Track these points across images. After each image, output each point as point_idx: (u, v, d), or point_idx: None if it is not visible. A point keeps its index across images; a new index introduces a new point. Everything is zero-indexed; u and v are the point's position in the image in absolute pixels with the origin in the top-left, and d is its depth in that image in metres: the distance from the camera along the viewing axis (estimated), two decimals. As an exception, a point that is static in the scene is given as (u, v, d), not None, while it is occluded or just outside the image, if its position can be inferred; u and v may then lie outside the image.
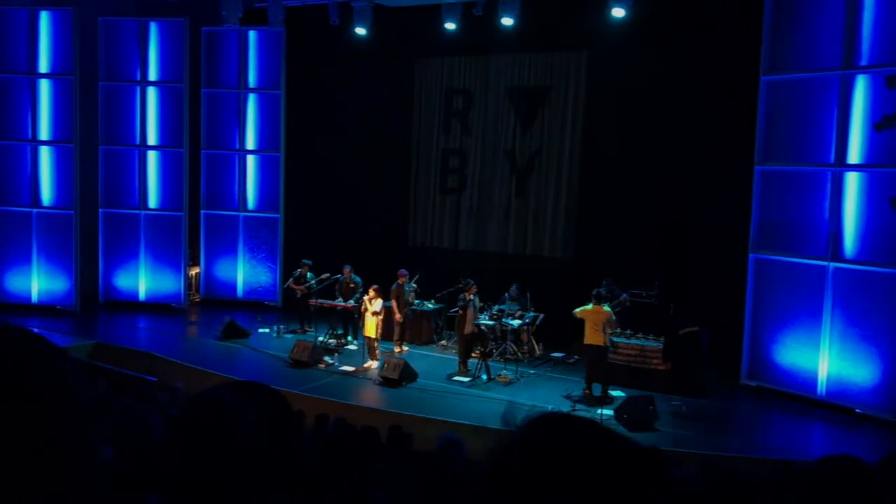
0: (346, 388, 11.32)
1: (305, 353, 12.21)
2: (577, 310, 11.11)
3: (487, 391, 11.31)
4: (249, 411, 1.33)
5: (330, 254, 15.00)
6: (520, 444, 1.15)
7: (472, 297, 12.17)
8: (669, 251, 13.19)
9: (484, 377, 11.76)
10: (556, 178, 14.80)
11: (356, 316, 13.05)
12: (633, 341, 11.88)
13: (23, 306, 15.36)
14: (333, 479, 3.77)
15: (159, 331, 14.73)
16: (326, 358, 12.51)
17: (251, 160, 16.84)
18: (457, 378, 11.88)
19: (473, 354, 12.29)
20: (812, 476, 1.71)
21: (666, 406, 10.38)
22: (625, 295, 12.29)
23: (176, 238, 16.20)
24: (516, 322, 12.63)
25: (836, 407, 10.76)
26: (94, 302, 15.95)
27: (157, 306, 16.15)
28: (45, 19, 15.20)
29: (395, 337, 13.41)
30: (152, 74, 16.08)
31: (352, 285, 13.40)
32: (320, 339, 13.25)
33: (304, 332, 14.12)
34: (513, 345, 12.67)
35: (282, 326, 14.49)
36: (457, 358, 12.43)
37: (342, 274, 13.61)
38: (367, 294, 12.46)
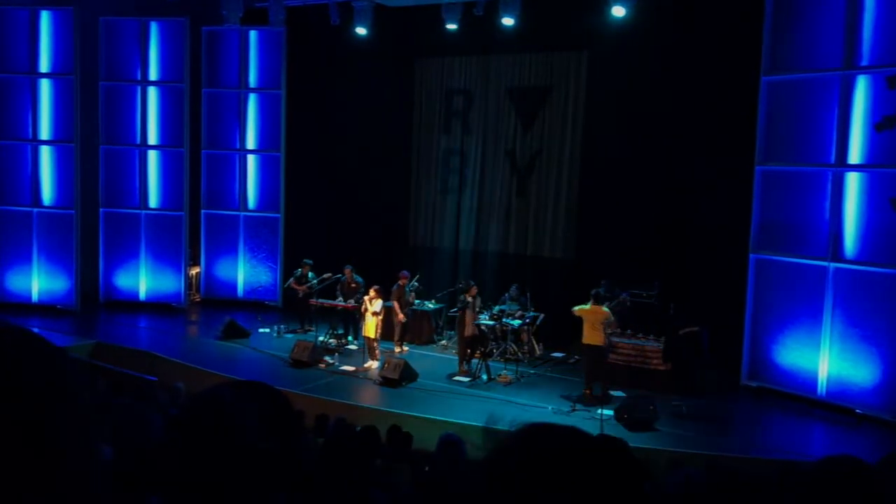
0: (347, 388, 11.32)
1: (306, 352, 12.21)
2: (576, 308, 11.12)
3: (488, 391, 11.31)
4: (250, 411, 1.33)
5: (330, 254, 15.00)
6: (505, 455, 1.15)
7: (471, 298, 12.17)
8: (669, 251, 13.19)
9: (484, 377, 11.76)
10: (557, 178, 14.79)
11: (357, 316, 13.05)
12: (633, 341, 11.88)
13: (23, 306, 15.36)
14: (333, 479, 3.77)
15: (160, 330, 14.73)
16: (327, 358, 12.51)
17: (252, 160, 16.85)
18: (457, 378, 11.88)
19: (472, 353, 12.28)
20: (813, 476, 1.71)
21: (666, 406, 10.37)
22: (625, 295, 12.29)
23: (176, 238, 16.20)
24: (516, 322, 12.63)
25: (836, 407, 10.76)
26: (94, 301, 15.95)
27: (157, 306, 16.15)
28: (45, 19, 15.20)
29: (396, 337, 13.42)
30: (153, 74, 16.08)
31: (353, 285, 13.40)
32: (321, 338, 13.25)
33: (305, 331, 14.12)
34: (513, 345, 12.68)
35: (282, 326, 14.49)
36: (457, 358, 12.44)
37: (343, 274, 13.62)
38: (368, 294, 12.46)
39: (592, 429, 9.33)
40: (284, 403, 1.42)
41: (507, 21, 13.52)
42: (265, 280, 16.85)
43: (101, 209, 16.07)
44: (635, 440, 8.64)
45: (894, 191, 10.41)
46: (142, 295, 16.27)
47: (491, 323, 12.38)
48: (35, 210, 15.48)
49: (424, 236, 16.40)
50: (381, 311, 12.43)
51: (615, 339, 11.74)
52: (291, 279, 14.50)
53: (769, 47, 11.53)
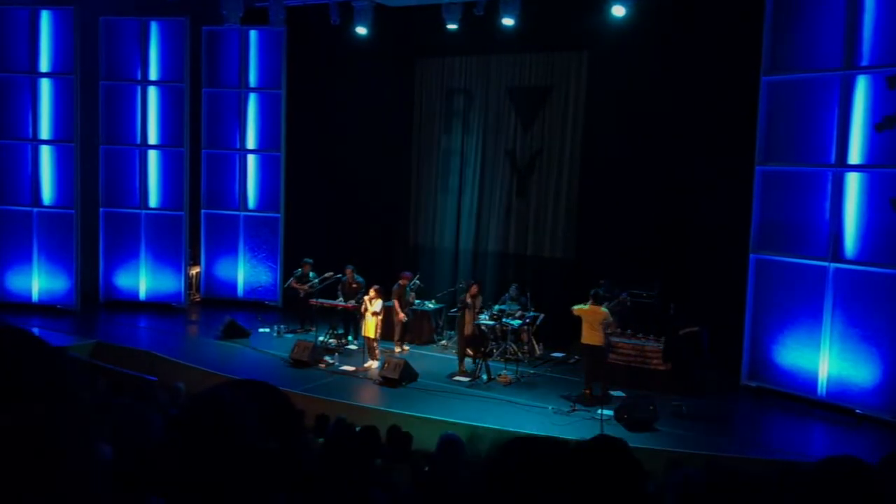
0: (347, 388, 11.32)
1: (306, 352, 12.21)
2: (576, 307, 11.12)
3: (488, 391, 11.31)
4: (250, 411, 1.33)
5: (330, 253, 15.00)
6: (505, 457, 1.16)
7: (471, 298, 12.18)
8: (669, 251, 13.19)
9: (484, 377, 11.76)
10: (557, 177, 14.79)
11: (357, 316, 13.04)
12: (633, 341, 11.88)
13: (23, 306, 15.36)
14: (334, 479, 3.77)
15: (160, 330, 14.73)
16: (327, 358, 12.51)
17: (252, 160, 16.85)
18: (457, 378, 11.88)
19: (471, 353, 12.28)
20: (813, 476, 1.71)
21: (666, 406, 10.37)
22: (625, 295, 12.28)
23: (176, 237, 16.20)
24: (516, 322, 12.63)
25: (836, 407, 10.76)
26: (94, 301, 15.95)
27: (157, 306, 16.16)
28: (45, 18, 15.21)
29: (396, 337, 13.43)
30: (153, 74, 16.08)
31: (354, 285, 13.39)
32: (321, 338, 13.26)
33: (305, 331, 14.12)
34: (513, 345, 12.68)
35: (282, 326, 14.49)
36: (457, 358, 12.44)
37: (344, 274, 13.63)
38: (368, 294, 12.46)
39: (593, 429, 9.36)
40: (285, 403, 1.42)
41: (508, 21, 13.52)
42: (265, 280, 16.86)
43: (101, 209, 16.07)
44: (635, 440, 8.64)
45: (894, 191, 10.41)
46: (142, 295, 16.27)
47: (491, 323, 12.38)
48: (35, 210, 15.48)
49: (424, 236, 16.40)
50: (381, 311, 12.43)
51: (615, 339, 11.74)
52: (292, 279, 14.50)
53: (769, 47, 11.53)
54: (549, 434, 9.10)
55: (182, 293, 16.27)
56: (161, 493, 1.41)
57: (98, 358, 12.26)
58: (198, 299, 17.05)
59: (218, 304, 16.45)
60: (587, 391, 10.96)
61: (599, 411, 10.04)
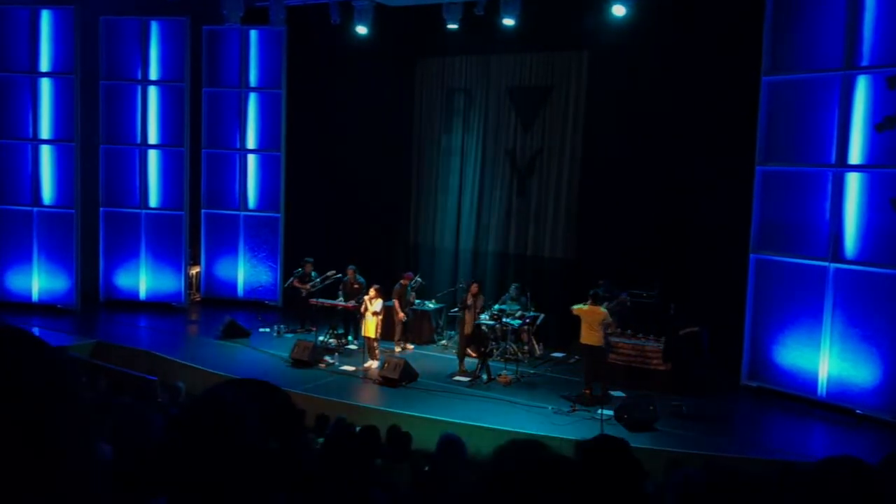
0: (347, 388, 11.32)
1: (306, 352, 12.21)
2: (575, 307, 11.14)
3: (488, 391, 11.31)
4: (251, 410, 1.33)
5: (331, 253, 15.01)
6: (505, 457, 1.17)
7: (471, 298, 12.19)
8: (669, 251, 13.18)
9: (484, 377, 11.76)
10: (557, 177, 14.78)
11: (357, 316, 13.04)
12: (633, 341, 11.88)
13: (23, 305, 15.37)
14: (334, 479, 3.77)
15: (160, 330, 14.73)
16: (327, 357, 12.51)
17: (252, 159, 16.85)
18: (457, 378, 11.89)
19: (473, 354, 12.30)
20: (813, 476, 1.71)
21: (666, 406, 10.38)
22: (625, 295, 12.28)
23: (176, 237, 16.20)
24: (516, 322, 12.63)
25: (836, 408, 10.76)
26: (94, 301, 15.96)
27: (157, 305, 16.16)
28: (46, 18, 15.21)
29: (397, 337, 13.44)
30: (153, 73, 16.08)
31: (356, 286, 13.39)
32: (321, 338, 13.26)
33: (307, 331, 14.12)
34: (513, 345, 12.68)
35: (282, 326, 14.50)
36: (457, 358, 12.45)
37: (346, 274, 13.63)
38: (368, 294, 12.46)
39: (593, 429, 9.36)
40: (286, 402, 1.42)
41: (508, 21, 13.52)
42: (265, 280, 16.86)
43: (101, 208, 16.07)
44: (635, 440, 8.63)
45: (894, 191, 10.41)
46: (142, 294, 16.28)
47: (491, 323, 12.39)
48: (35, 209, 15.49)
49: (424, 236, 16.40)
50: (381, 311, 12.44)
51: (615, 339, 11.74)
52: (293, 278, 14.48)
53: (769, 47, 11.53)
54: (550, 434, 9.12)
55: (182, 293, 16.27)
56: (161, 492, 1.41)
57: (98, 358, 12.27)
58: (198, 299, 17.06)
59: (218, 303, 16.46)
60: (587, 391, 10.96)
61: (599, 411, 10.04)
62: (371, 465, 5.65)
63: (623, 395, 11.13)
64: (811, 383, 11.10)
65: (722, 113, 12.55)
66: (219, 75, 16.69)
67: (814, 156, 11.23)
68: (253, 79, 16.66)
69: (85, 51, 15.22)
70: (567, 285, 13.91)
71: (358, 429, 7.10)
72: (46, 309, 15.38)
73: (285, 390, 1.45)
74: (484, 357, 11.93)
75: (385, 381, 11.37)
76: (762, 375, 11.69)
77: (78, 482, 0.87)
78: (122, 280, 16.29)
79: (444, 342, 14.10)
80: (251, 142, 16.79)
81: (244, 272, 16.88)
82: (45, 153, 15.53)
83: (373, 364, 12.22)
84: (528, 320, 13.04)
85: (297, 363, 12.19)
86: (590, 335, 10.91)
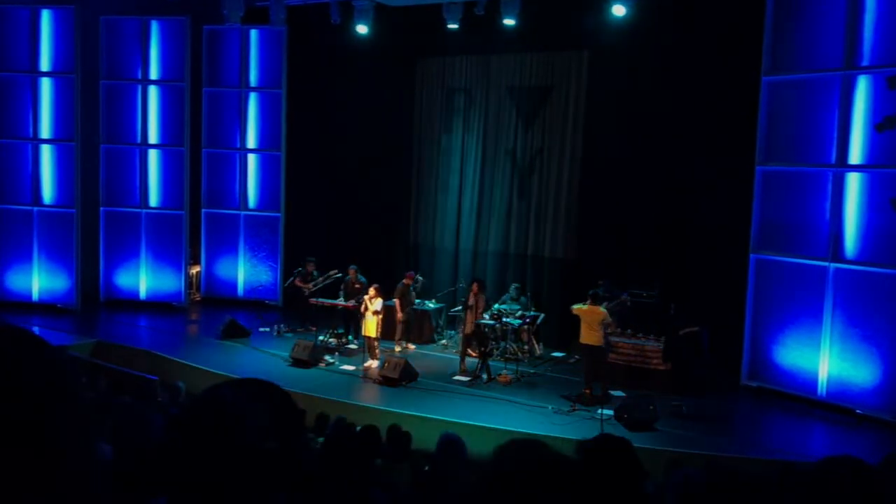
0: (347, 388, 11.32)
1: (306, 352, 12.21)
2: (575, 306, 11.15)
3: (488, 391, 11.31)
4: (252, 410, 1.33)
5: (331, 253, 15.01)
6: (505, 457, 1.17)
7: (473, 298, 12.19)
8: (669, 251, 13.18)
9: (484, 377, 11.76)
10: (557, 177, 14.77)
11: (358, 315, 13.04)
12: (633, 341, 11.89)
13: (23, 305, 15.37)
14: (334, 479, 3.77)
15: (160, 329, 14.73)
16: (327, 357, 12.51)
17: (252, 159, 16.85)
18: (457, 377, 11.89)
19: (473, 353, 12.30)
20: (813, 476, 1.71)
21: (666, 406, 10.38)
22: (625, 295, 12.28)
23: (177, 237, 16.20)
24: (517, 321, 12.63)
25: (836, 408, 10.75)
26: (94, 300, 15.96)
27: (157, 305, 16.16)
28: (46, 18, 15.21)
29: (397, 336, 13.44)
30: (153, 73, 16.08)
31: (357, 286, 13.39)
32: (321, 338, 13.26)
33: (307, 331, 14.12)
34: (513, 344, 12.68)
35: (282, 325, 14.50)
36: (457, 357, 12.45)
37: (348, 273, 13.64)
38: (367, 293, 12.46)
39: (593, 429, 9.35)
40: (286, 402, 1.42)
41: (508, 21, 13.52)
42: (265, 279, 16.86)
43: (101, 208, 16.08)
44: (635, 440, 8.57)
45: (894, 191, 10.41)
46: (142, 294, 16.28)
47: (491, 322, 12.39)
48: (35, 209, 15.49)
49: (425, 236, 16.39)
50: (381, 311, 12.43)
51: (615, 339, 11.74)
52: (295, 278, 14.46)
53: (769, 47, 11.52)
54: (550, 434, 9.12)
55: (182, 292, 16.27)
56: (161, 492, 1.41)
57: (98, 357, 12.27)
58: (198, 298, 17.06)
59: (218, 303, 16.46)
60: (587, 391, 10.96)
61: (599, 411, 10.04)
62: (371, 465, 5.65)
63: (623, 394, 11.13)
64: (811, 383, 11.10)
65: (722, 113, 12.55)
66: (219, 75, 16.69)
67: (814, 156, 11.22)
68: (253, 78, 16.66)
69: (85, 50, 15.22)
70: (567, 285, 13.91)
71: (358, 428, 7.10)
72: (46, 308, 15.38)
73: (285, 390, 1.45)
74: (484, 357, 11.93)
75: (385, 381, 11.37)
76: (762, 375, 11.69)
77: (78, 482, 0.87)
78: (123, 279, 16.30)
79: (444, 342, 14.10)
80: (251, 141, 16.79)
81: (244, 272, 16.88)
82: (46, 153, 15.53)
83: (373, 364, 12.22)
84: (528, 320, 13.04)
85: (297, 363, 12.19)
86: (589, 335, 10.91)
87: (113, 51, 15.96)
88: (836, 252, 10.91)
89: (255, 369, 11.88)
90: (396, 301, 13.33)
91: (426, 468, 5.97)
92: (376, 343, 12.48)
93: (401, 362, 11.48)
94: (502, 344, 12.68)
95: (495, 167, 15.45)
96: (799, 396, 11.18)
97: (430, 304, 14.41)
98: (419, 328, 14.10)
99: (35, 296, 15.56)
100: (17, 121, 15.41)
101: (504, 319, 12.45)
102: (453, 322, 14.46)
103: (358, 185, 16.58)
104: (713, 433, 10.09)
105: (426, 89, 16.27)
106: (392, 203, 16.45)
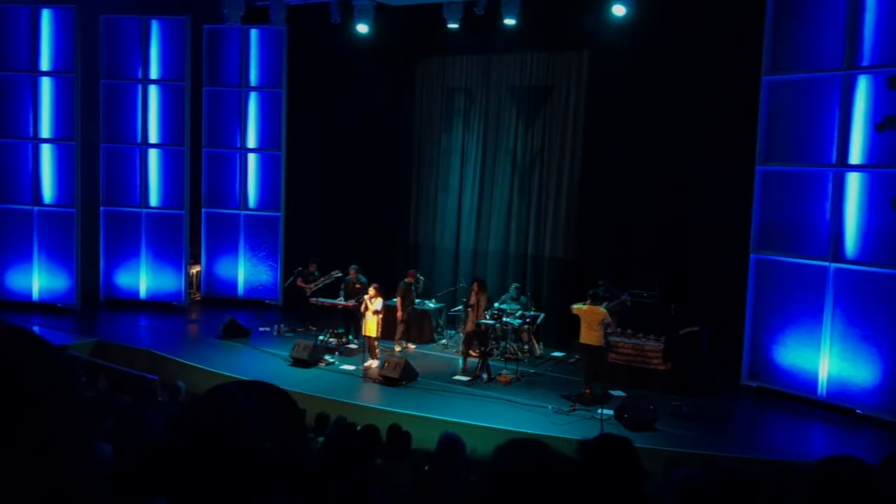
0: (347, 387, 11.32)
1: (306, 351, 12.21)
2: (575, 306, 11.15)
3: (488, 390, 11.31)
4: (252, 411, 1.33)
5: (331, 252, 15.01)
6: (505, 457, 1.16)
7: (474, 298, 12.20)
8: (669, 251, 13.18)
9: (484, 376, 11.76)
10: (557, 177, 14.76)
11: (358, 315, 13.04)
12: (633, 341, 11.89)
13: (24, 304, 15.37)
14: (334, 479, 3.77)
15: (160, 329, 14.74)
16: (327, 357, 12.51)
17: (252, 158, 16.85)
18: (457, 377, 11.89)
19: (473, 353, 12.31)
20: (813, 476, 1.71)
21: (666, 406, 10.38)
22: (625, 295, 12.29)
23: (177, 236, 16.20)
24: (517, 321, 12.63)
25: (836, 407, 10.76)
26: (94, 300, 15.96)
27: (157, 304, 16.16)
28: (46, 17, 15.21)
29: (397, 336, 13.43)
30: (154, 72, 16.08)
31: (358, 285, 13.38)
32: (321, 337, 13.26)
33: (308, 331, 14.12)
34: (513, 344, 12.68)
35: (282, 325, 14.50)
36: (457, 357, 12.45)
37: (348, 274, 13.64)
38: (367, 293, 12.46)
39: (592, 428, 9.35)
40: (287, 402, 1.42)
41: (509, 21, 13.51)
42: (266, 279, 16.86)
43: (101, 207, 16.08)
44: (635, 440, 8.59)
45: (895, 191, 10.41)
46: (142, 293, 16.28)
47: (491, 322, 12.39)
48: (35, 208, 15.49)
49: (425, 235, 16.39)
50: (381, 310, 12.43)
51: (615, 339, 11.75)
52: (296, 277, 14.45)
53: (770, 47, 11.52)
54: (550, 434, 9.12)
55: (182, 292, 16.27)
56: (162, 492, 1.41)
57: (98, 357, 12.27)
58: (198, 298, 17.06)
59: (218, 303, 16.46)
60: (587, 391, 10.96)
61: (599, 411, 10.04)
62: (371, 465, 5.65)
63: (623, 394, 11.13)
64: (811, 383, 11.10)
65: (722, 113, 12.55)
66: (219, 74, 16.69)
67: (814, 156, 11.22)
68: (253, 78, 16.66)
69: (85, 50, 15.22)
70: (567, 285, 13.91)
71: (358, 428, 7.11)
72: (47, 308, 15.38)
73: (285, 390, 1.45)
74: (484, 356, 11.93)
75: (385, 381, 11.37)
76: (762, 375, 11.69)
77: (78, 482, 0.87)
78: (123, 279, 16.30)
79: (444, 342, 14.10)
80: (252, 141, 16.79)
81: (244, 271, 16.88)
82: (46, 152, 15.53)
83: (373, 363, 12.22)
84: (528, 320, 13.04)
85: (297, 362, 12.19)
86: (589, 335, 10.91)
87: (113, 50, 15.96)
88: (837, 252, 10.91)
89: (255, 369, 11.89)
90: (398, 300, 13.34)
91: (426, 468, 5.98)
92: (376, 343, 12.48)
93: (401, 362, 11.48)
94: (502, 344, 12.68)
95: (495, 167, 15.45)
96: (799, 396, 11.18)
97: (430, 304, 14.41)
98: (419, 328, 14.10)
99: (35, 295, 15.57)
100: (18, 120, 15.41)
101: (504, 319, 12.45)
102: (453, 322, 14.46)
103: (358, 185, 16.58)
104: (713, 433, 10.10)
105: (426, 89, 16.27)
106: (392, 203, 16.45)
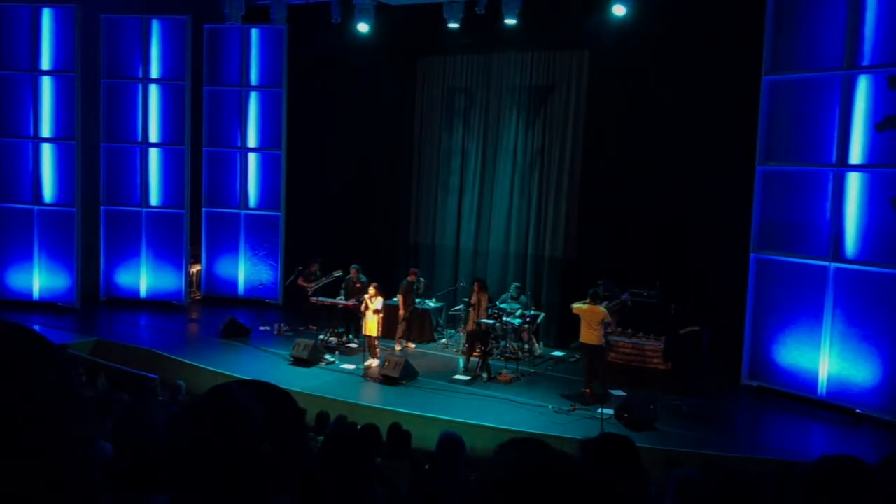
0: (347, 387, 11.32)
1: (306, 351, 12.22)
2: (575, 305, 11.15)
3: (488, 389, 11.31)
4: (253, 410, 1.33)
5: (331, 252, 15.01)
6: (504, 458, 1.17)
7: (475, 299, 12.20)
8: (670, 251, 13.17)
9: (485, 375, 11.76)
10: (558, 177, 14.76)
11: (358, 315, 13.04)
12: (633, 341, 11.89)
13: (24, 303, 15.38)
14: (334, 478, 3.77)
15: (160, 328, 14.74)
16: (327, 356, 12.52)
17: (253, 158, 16.85)
18: (457, 376, 11.89)
19: (476, 353, 12.31)
20: (811, 476, 1.71)
21: (666, 405, 10.38)
22: (626, 295, 12.28)
23: (177, 235, 16.21)
24: (517, 320, 12.64)
25: (836, 407, 10.76)
26: (95, 299, 15.97)
27: (158, 304, 16.17)
28: (47, 16, 15.22)
29: (398, 335, 13.43)
30: (154, 72, 16.09)
31: (358, 285, 13.38)
32: (321, 337, 13.26)
33: (309, 330, 14.12)
34: (513, 343, 12.69)
35: (283, 324, 14.50)
36: (457, 356, 12.44)
37: (349, 273, 13.64)
38: (368, 292, 12.46)
39: (592, 428, 9.36)
40: (287, 401, 1.43)
41: (509, 21, 13.51)
42: (266, 278, 16.86)
43: (102, 207, 16.08)
44: (635, 439, 8.61)
45: (895, 191, 10.41)
46: (142, 293, 16.28)
47: (491, 322, 12.39)
48: (36, 207, 15.50)
49: (425, 235, 16.39)
50: (381, 310, 12.44)
51: (615, 339, 11.75)
52: (297, 276, 14.44)
53: (770, 47, 11.52)
54: (550, 433, 9.12)
55: (183, 291, 16.28)
56: (164, 490, 1.41)
57: (99, 356, 12.27)
58: (198, 297, 17.06)
59: (218, 302, 16.47)
60: (587, 390, 10.96)
61: (599, 410, 10.04)
62: (371, 464, 5.65)
63: (623, 393, 11.13)
64: (811, 383, 11.10)
65: (722, 113, 12.54)
66: (220, 74, 16.69)
67: (814, 155, 11.22)
68: (254, 77, 16.66)
69: (86, 49, 15.22)
70: (567, 285, 13.91)
71: (358, 427, 7.11)
72: (47, 307, 15.39)
73: (285, 389, 1.45)
74: (484, 355, 11.93)
75: (386, 380, 11.38)
76: (762, 375, 11.69)
77: (78, 482, 0.87)
78: (123, 278, 16.30)
79: (444, 341, 14.11)
80: (252, 140, 16.79)
81: (245, 271, 16.88)
82: (46, 151, 15.53)
83: (373, 362, 12.22)
84: (528, 319, 13.04)
85: (297, 362, 12.19)
86: (589, 334, 10.91)
87: (114, 49, 15.97)
88: (837, 252, 10.91)
89: (255, 368, 11.90)
90: (400, 298, 13.34)
91: (426, 467, 5.98)
92: (377, 342, 12.48)
93: (401, 361, 11.49)
94: (502, 343, 12.69)
95: (496, 166, 15.44)
96: (799, 396, 11.18)
97: (431, 303, 14.41)
98: (419, 327, 14.10)
99: (36, 294, 15.57)
100: (18, 119, 15.42)
101: (504, 318, 12.46)
102: (453, 321, 14.46)
103: (358, 185, 16.57)
104: (713, 433, 10.09)
105: (427, 89, 16.26)
106: (392, 202, 16.45)
